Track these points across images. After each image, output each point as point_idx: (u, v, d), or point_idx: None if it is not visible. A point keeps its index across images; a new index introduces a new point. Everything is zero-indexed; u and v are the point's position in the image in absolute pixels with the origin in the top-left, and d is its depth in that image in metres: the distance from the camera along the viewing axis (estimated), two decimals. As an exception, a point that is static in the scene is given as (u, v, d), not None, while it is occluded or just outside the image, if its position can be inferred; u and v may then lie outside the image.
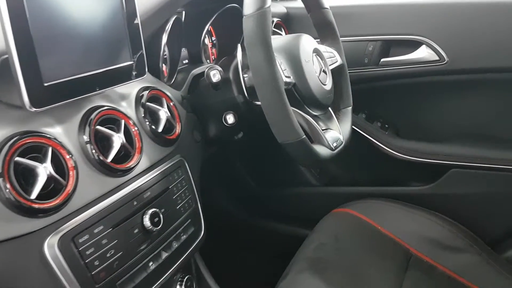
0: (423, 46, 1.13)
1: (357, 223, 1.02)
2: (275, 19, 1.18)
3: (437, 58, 1.12)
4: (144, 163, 0.71)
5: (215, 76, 0.83)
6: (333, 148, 0.83)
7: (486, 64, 1.09)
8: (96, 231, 0.61)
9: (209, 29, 1.09)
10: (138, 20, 0.70)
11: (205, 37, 1.06)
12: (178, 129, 0.80)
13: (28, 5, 0.52)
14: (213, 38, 1.13)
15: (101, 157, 0.63)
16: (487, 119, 1.19)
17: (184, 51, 1.04)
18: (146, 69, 0.73)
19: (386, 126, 1.27)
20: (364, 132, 1.26)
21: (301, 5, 0.96)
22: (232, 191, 1.46)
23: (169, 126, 0.79)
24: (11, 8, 0.50)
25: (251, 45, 0.69)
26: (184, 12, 0.95)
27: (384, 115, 1.29)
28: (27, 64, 0.53)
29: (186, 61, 1.05)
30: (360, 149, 1.23)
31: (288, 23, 1.26)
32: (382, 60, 1.19)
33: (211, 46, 1.12)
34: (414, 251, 0.96)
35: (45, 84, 0.55)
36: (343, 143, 0.87)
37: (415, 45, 1.14)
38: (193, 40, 1.03)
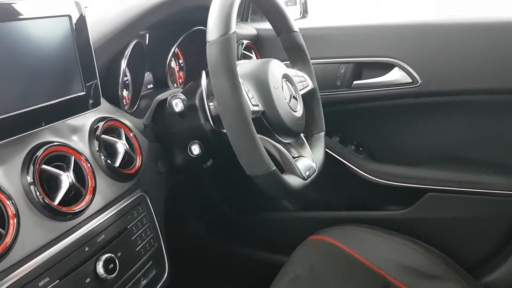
0: (396, 68, 1.11)
1: (333, 251, 0.99)
2: (245, 41, 1.15)
3: (410, 80, 1.10)
4: (98, 203, 0.65)
5: (178, 105, 0.78)
6: (306, 177, 0.79)
7: (460, 86, 1.08)
8: (41, 284, 0.54)
9: (175, 52, 1.04)
10: (91, 47, 0.65)
11: (171, 60, 1.01)
12: (138, 162, 0.75)
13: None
14: (180, 61, 1.08)
15: (46, 200, 0.56)
16: (463, 141, 1.17)
17: (148, 75, 0.99)
18: (101, 99, 0.67)
19: (360, 149, 1.25)
20: (338, 156, 1.23)
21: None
22: (203, 217, 1.41)
23: (128, 159, 0.73)
24: None
25: (215, 73, 0.65)
26: (147, 35, 0.90)
27: (358, 138, 1.27)
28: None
29: (151, 85, 1.00)
30: (335, 172, 1.20)
31: (258, 45, 1.22)
32: (355, 82, 1.17)
33: (178, 69, 1.07)
34: (393, 280, 0.93)
35: (-21, 123, 0.49)
36: (316, 171, 0.84)
37: (388, 67, 1.13)
38: (158, 63, 0.98)
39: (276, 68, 0.83)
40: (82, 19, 0.63)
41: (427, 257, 0.97)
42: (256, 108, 0.75)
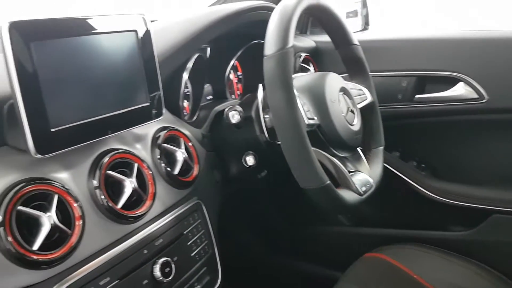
0: (461, 83, 1.07)
1: (390, 270, 0.96)
2: (303, 54, 1.15)
3: (476, 96, 1.05)
4: (157, 208, 0.68)
5: (234, 117, 0.80)
6: (362, 192, 0.77)
7: None
8: (102, 283, 0.57)
9: (234, 64, 1.07)
10: (155, 61, 0.68)
11: (230, 72, 1.04)
12: (195, 170, 0.77)
13: (36, 48, 0.51)
14: (239, 73, 1.11)
15: (110, 204, 0.60)
16: None
17: (208, 87, 1.02)
18: (163, 110, 0.71)
19: (423, 165, 1.20)
20: (398, 171, 1.19)
21: (330, 38, 0.92)
22: (256, 228, 1.41)
23: (186, 168, 0.76)
24: (17, 51, 0.49)
25: (271, 87, 0.66)
26: (209, 49, 0.94)
27: (419, 154, 1.22)
28: (33, 109, 0.51)
29: (210, 96, 1.03)
30: (394, 189, 1.17)
31: (317, 58, 1.22)
32: (417, 96, 1.14)
33: (236, 81, 1.10)
34: None
35: (52, 130, 0.54)
36: (373, 186, 0.82)
37: (452, 81, 1.08)
38: (218, 75, 1.01)
39: (333, 82, 0.82)
40: (147, 34, 0.66)
41: (489, 281, 0.92)
42: (311, 122, 0.75)
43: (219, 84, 1.02)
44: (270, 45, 0.67)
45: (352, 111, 0.84)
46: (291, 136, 0.66)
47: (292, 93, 0.66)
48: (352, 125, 0.82)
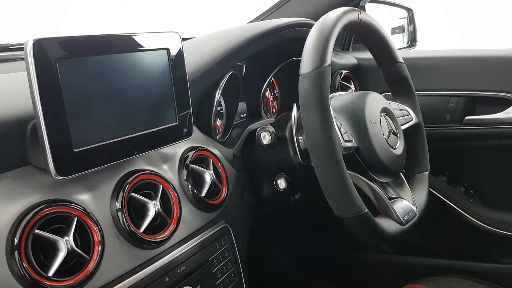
0: (515, 105, 0.99)
1: None
2: (344, 72, 1.10)
3: None
4: (181, 233, 0.65)
5: (265, 138, 0.77)
6: (404, 222, 0.72)
7: None
8: None
9: (271, 81, 1.04)
10: (186, 79, 0.66)
11: (266, 90, 1.01)
12: (224, 193, 0.74)
13: (61, 67, 0.50)
14: (275, 91, 1.07)
15: (132, 228, 0.57)
16: None
17: (242, 105, 0.99)
18: (193, 129, 0.68)
19: (471, 192, 1.12)
20: (444, 198, 1.12)
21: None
22: (289, 252, 1.36)
23: (214, 190, 0.73)
24: (40, 69, 0.48)
25: (306, 107, 0.63)
26: (245, 66, 0.91)
27: (468, 179, 1.14)
28: (56, 129, 0.50)
29: (245, 114, 1.00)
30: (440, 216, 1.09)
31: (358, 75, 1.17)
32: (467, 118, 1.07)
33: (272, 99, 1.06)
34: None
35: (75, 150, 0.52)
36: (417, 215, 0.76)
37: (505, 103, 1.01)
38: (253, 93, 0.98)
39: (375, 101, 0.77)
40: (179, 52, 0.64)
41: None
42: (348, 144, 0.70)
43: (254, 102, 0.99)
44: (306, 64, 0.63)
45: (394, 133, 0.78)
46: (326, 160, 0.62)
47: (328, 114, 0.62)
48: (394, 148, 0.76)
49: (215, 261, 0.69)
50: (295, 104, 0.78)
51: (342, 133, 0.70)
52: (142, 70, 0.59)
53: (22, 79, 0.53)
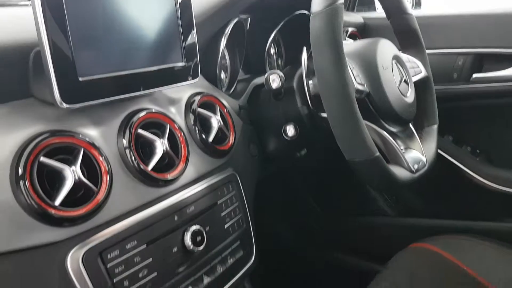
0: (524, 61, 0.98)
1: (437, 261, 0.88)
2: (350, 29, 1.09)
3: None
4: (189, 174, 0.64)
5: (275, 81, 0.75)
6: (414, 170, 0.70)
7: None
8: (128, 246, 0.54)
9: (276, 38, 1.02)
10: (193, 20, 0.64)
11: (270, 46, 0.99)
12: (231, 139, 0.73)
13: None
14: (280, 48, 1.05)
15: (141, 165, 0.56)
16: None
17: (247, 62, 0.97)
18: (199, 72, 0.66)
19: (478, 151, 1.12)
20: (450, 157, 1.11)
21: (380, 15, 0.87)
22: (293, 216, 1.35)
23: (221, 136, 0.71)
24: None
25: (318, 46, 0.60)
26: (249, 19, 0.89)
27: (475, 138, 1.14)
28: (61, 56, 0.48)
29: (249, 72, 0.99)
30: (445, 176, 1.09)
31: (364, 34, 1.15)
32: (474, 75, 1.06)
33: (276, 56, 1.04)
34: None
35: (80, 79, 0.50)
36: (427, 166, 0.74)
37: None
38: (257, 50, 0.96)
39: (386, 48, 0.76)
40: (186, -9, 0.62)
41: None
42: (360, 87, 0.69)
43: (258, 58, 0.97)
44: (317, 2, 0.60)
45: (406, 82, 0.77)
46: (338, 99, 0.59)
47: (341, 53, 0.59)
48: (405, 96, 0.75)
49: (223, 205, 0.68)
50: (304, 48, 0.76)
51: (354, 75, 0.69)
52: (148, 4, 0.58)
53: (22, 12, 0.51)
